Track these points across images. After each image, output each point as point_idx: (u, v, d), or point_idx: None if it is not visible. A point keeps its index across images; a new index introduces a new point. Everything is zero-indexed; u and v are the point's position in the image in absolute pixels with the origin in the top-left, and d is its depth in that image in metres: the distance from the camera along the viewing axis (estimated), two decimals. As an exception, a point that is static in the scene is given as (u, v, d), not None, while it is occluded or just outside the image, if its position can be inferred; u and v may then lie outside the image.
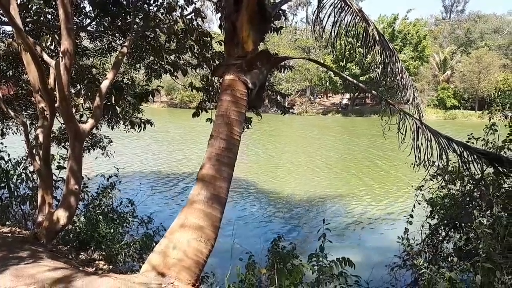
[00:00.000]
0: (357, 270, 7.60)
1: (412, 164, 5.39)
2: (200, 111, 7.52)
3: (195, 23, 7.46)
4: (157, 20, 7.21)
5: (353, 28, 6.34)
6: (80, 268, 4.35)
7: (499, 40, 71.13)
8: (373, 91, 6.45)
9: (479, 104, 56.94)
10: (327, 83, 62.11)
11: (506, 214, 4.90)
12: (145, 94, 7.76)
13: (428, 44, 61.32)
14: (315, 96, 71.72)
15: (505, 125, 6.13)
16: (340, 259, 4.27)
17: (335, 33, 6.34)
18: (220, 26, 5.65)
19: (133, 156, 21.99)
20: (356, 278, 4.44)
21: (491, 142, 5.81)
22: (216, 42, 7.68)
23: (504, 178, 5.37)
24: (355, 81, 6.27)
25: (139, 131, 7.36)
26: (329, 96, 73.17)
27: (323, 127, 44.94)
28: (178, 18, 7.05)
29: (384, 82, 6.92)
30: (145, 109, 9.94)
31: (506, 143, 5.67)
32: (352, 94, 64.23)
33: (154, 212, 10.71)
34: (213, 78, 7.68)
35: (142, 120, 7.25)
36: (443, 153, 4.98)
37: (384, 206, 13.01)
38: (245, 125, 8.21)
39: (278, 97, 9.24)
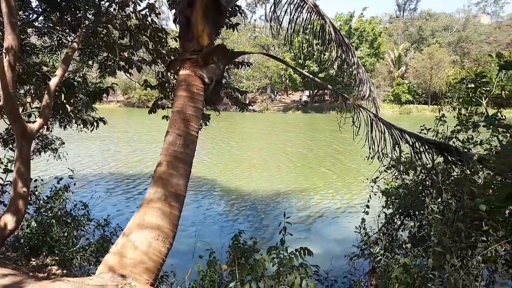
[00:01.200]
0: (318, 262, 7.71)
1: (366, 156, 5.54)
2: (156, 108, 7.37)
3: (149, 19, 7.29)
4: (109, 16, 6.98)
5: (310, 25, 6.44)
6: (31, 274, 4.14)
7: (449, 37, 74.64)
8: (328, 86, 6.55)
9: (431, 98, 59.60)
10: (287, 81, 62.87)
11: (455, 201, 5.14)
12: (98, 92, 7.50)
13: (383, 41, 63.45)
14: (275, 94, 72.35)
15: (454, 117, 6.42)
16: (299, 249, 4.31)
17: (292, 30, 6.40)
18: (174, 21, 5.55)
19: (91, 158, 21.28)
20: (315, 268, 4.50)
21: (441, 133, 6.06)
22: (171, 38, 7.55)
23: (453, 166, 5.62)
24: (311, 76, 6.35)
25: (92, 130, 7.09)
26: (289, 94, 74.05)
27: (284, 124, 45.43)
28: (131, 13, 6.86)
29: (341, 77, 7.06)
30: (101, 109, 9.63)
31: (454, 133, 5.93)
32: (311, 91, 65.33)
33: (112, 214, 10.42)
34: (169, 75, 7.55)
35: (95, 119, 6.99)
36: (396, 144, 5.14)
37: (345, 198, 13.31)
38: (203, 122, 8.14)
39: (238, 95, 9.21)
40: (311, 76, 6.40)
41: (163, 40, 7.46)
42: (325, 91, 66.14)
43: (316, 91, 65.80)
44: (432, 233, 4.40)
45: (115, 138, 30.07)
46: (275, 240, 9.40)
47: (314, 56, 55.06)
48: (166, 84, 7.77)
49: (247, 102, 64.83)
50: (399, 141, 5.15)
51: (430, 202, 4.63)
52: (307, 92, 67.12)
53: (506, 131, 5.90)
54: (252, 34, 67.85)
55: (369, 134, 5.20)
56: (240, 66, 7.89)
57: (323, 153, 23.45)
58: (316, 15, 6.21)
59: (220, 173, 18.01)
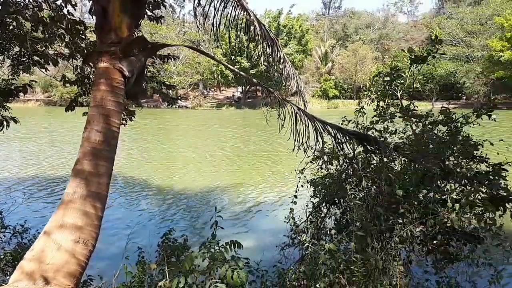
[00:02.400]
0: (252, 253, 7.79)
1: (293, 149, 5.68)
2: (74, 105, 6.93)
3: (65, 10, 6.83)
4: (20, 5, 6.44)
5: (236, 20, 6.44)
6: None
7: (371, 34, 79.13)
8: (254, 80, 6.62)
9: (357, 93, 62.86)
10: (219, 77, 62.69)
11: (374, 187, 5.47)
12: (10, 91, 6.88)
13: (311, 38, 65.62)
14: (208, 90, 71.87)
15: (373, 109, 6.81)
16: (229, 242, 4.32)
17: (218, 25, 6.35)
18: (90, 11, 5.24)
19: (10, 161, 19.66)
20: (246, 260, 4.54)
21: (361, 124, 6.40)
22: (91, 31, 7.14)
23: (373, 155, 5.96)
24: (236, 70, 6.36)
25: (1, 130, 6.48)
26: (222, 90, 74.00)
27: (218, 120, 45.30)
28: (43, 3, 6.38)
29: (270, 73, 7.15)
30: (17, 109, 8.87)
31: (372, 124, 6.30)
32: (244, 88, 65.81)
33: (34, 221, 9.71)
34: (89, 70, 7.14)
35: (5, 117, 6.41)
36: (319, 135, 5.33)
37: (283, 191, 13.55)
38: (128, 117, 7.83)
39: (166, 90, 8.97)
40: (236, 70, 6.41)
41: (81, 33, 7.03)
42: (258, 87, 66.90)
43: (248, 87, 66.37)
44: (353, 218, 4.65)
45: (37, 138, 28.02)
46: (208, 234, 9.38)
47: (245, 52, 55.70)
48: (86, 80, 7.34)
49: (179, 98, 63.72)
50: (321, 133, 5.34)
51: (350, 189, 4.88)
52: (240, 88, 67.49)
53: (418, 121, 6.40)
54: (181, 29, 66.63)
55: (293, 127, 5.34)
56: (167, 60, 7.69)
57: (258, 148, 23.73)
58: (240, 10, 6.22)
59: (155, 171, 17.50)
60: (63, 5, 6.82)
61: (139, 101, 5.60)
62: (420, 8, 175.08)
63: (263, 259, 6.48)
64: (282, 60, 6.81)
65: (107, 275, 5.97)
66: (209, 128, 37.30)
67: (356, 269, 4.24)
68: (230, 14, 6.13)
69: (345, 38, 79.53)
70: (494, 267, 5.37)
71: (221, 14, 6.05)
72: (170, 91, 9.08)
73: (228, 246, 4.23)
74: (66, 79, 7.10)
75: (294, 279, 4.70)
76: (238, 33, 6.55)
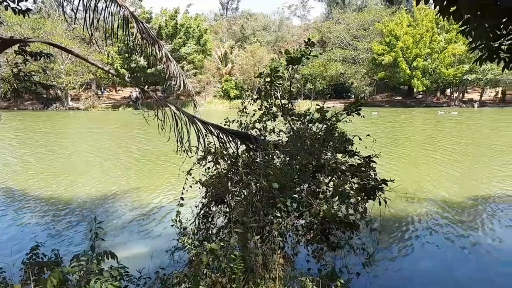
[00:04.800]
0: (142, 260, 7.54)
1: (175, 150, 5.61)
2: None
3: None
4: None
5: (111, 17, 6.13)
6: None
7: (267, 36, 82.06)
8: (126, 78, 6.39)
9: (259, 93, 64.60)
10: (114, 76, 59.60)
11: (255, 183, 5.63)
12: None
13: (209, 39, 65.74)
14: (102, 90, 67.87)
15: (258, 109, 7.02)
16: (103, 253, 4.09)
17: (91, 20, 5.99)
18: None
19: None
20: (124, 269, 4.35)
21: (244, 123, 6.55)
22: None
23: (256, 152, 6.15)
24: (105, 68, 6.07)
25: None
26: (119, 90, 70.48)
27: (113, 122, 42.99)
28: None
29: (153, 71, 6.93)
30: None
31: (253, 123, 6.49)
32: (142, 87, 63.48)
33: None
34: None
35: None
36: (200, 136, 5.33)
37: (176, 193, 13.22)
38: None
39: (46, 90, 8.24)
40: (106, 69, 6.13)
41: None
42: (157, 86, 65.18)
43: (147, 86, 64.19)
44: (233, 215, 4.73)
45: None
46: (103, 247, 8.82)
47: (138, 52, 53.70)
48: None
49: (69, 99, 59.14)
50: (202, 133, 5.35)
51: (231, 186, 4.96)
52: (137, 88, 64.80)
53: (298, 119, 6.77)
54: (69, 25, 61.88)
55: (174, 127, 5.26)
56: (39, 57, 7.04)
57: (156, 150, 22.97)
58: (116, 6, 5.95)
59: (42, 181, 15.87)
60: None
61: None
62: (312, 12, 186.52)
63: (151, 265, 6.30)
64: (165, 59, 6.69)
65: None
66: (101, 130, 35.23)
67: (235, 266, 4.32)
68: (105, 10, 5.83)
69: (243, 39, 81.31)
70: (367, 252, 5.90)
71: (94, 9, 5.73)
72: (59, 91, 8.35)
73: (100, 258, 3.99)
74: None
75: (176, 283, 4.62)
76: (118, 31, 6.29)
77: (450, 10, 3.77)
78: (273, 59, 70.89)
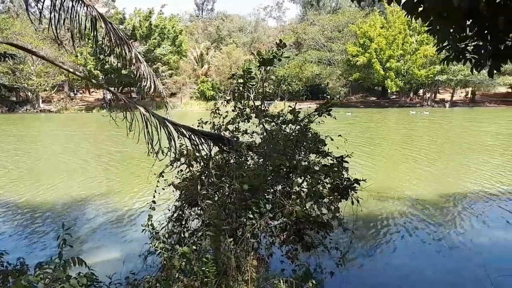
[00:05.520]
0: (114, 265, 7.38)
1: (148, 153, 5.51)
2: None
3: None
4: None
5: (79, 17, 5.98)
6: None
7: (243, 38, 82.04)
8: (93, 80, 6.26)
9: (233, 94, 64.67)
10: (82, 78, 58.43)
11: (228, 185, 5.59)
12: None
13: (185, 40, 65.29)
14: (75, 92, 66.37)
15: (232, 110, 6.98)
16: (69, 259, 3.97)
17: (57, 20, 5.83)
18: None
19: None
20: (93, 275, 4.23)
21: (217, 125, 6.50)
22: None
23: (229, 154, 6.11)
24: (70, 69, 5.93)
25: None
26: (92, 91, 69.05)
27: (86, 124, 42.08)
28: None
29: (127, 72, 6.80)
30: None
31: (226, 125, 6.46)
32: (116, 88, 62.43)
33: None
34: None
35: None
36: (171, 138, 5.26)
37: (149, 197, 13.03)
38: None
39: (11, 92, 7.96)
40: (70, 70, 5.98)
41: None
42: (132, 88, 64.24)
43: (121, 88, 63.25)
44: (206, 218, 4.68)
45: None
46: (74, 253, 8.59)
47: (110, 52, 52.83)
48: None
49: (40, 101, 57.54)
50: (173, 135, 5.28)
51: (203, 189, 4.91)
52: (112, 89, 63.65)
53: (271, 120, 6.77)
54: (39, 25, 60.21)
55: (144, 129, 5.17)
56: (2, 59, 6.81)
57: (133, 152, 22.56)
58: (83, 6, 5.81)
59: (11, 185, 15.33)
60: None
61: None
62: (287, 14, 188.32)
63: (124, 270, 6.16)
64: (135, 60, 6.58)
65: None
66: (74, 133, 34.43)
67: (207, 269, 4.27)
68: (71, 10, 5.69)
69: (219, 40, 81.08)
70: (340, 251, 5.94)
71: (60, 9, 5.57)
72: (30, 93, 8.07)
73: (67, 265, 3.87)
74: None
75: (148, 288, 4.53)
76: (84, 31, 6.14)
77: (418, 11, 3.84)
78: (250, 60, 70.95)
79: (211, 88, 64.93)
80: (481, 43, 4.32)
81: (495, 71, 4.18)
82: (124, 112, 5.17)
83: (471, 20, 4.19)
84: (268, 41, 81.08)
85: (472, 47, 4.39)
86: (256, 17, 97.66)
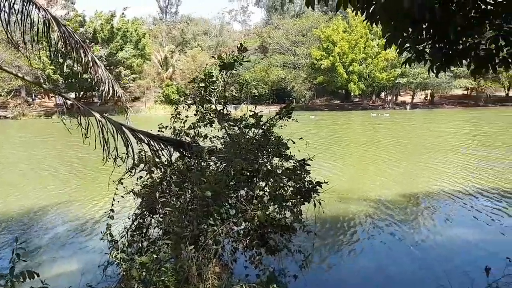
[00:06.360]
0: (72, 277, 7.08)
1: (106, 159, 5.32)
2: None
3: None
4: None
5: (30, 19, 5.72)
6: None
7: (208, 41, 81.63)
8: (43, 85, 6.01)
9: (194, 98, 64.00)
10: (46, 82, 56.27)
11: (190, 191, 5.49)
12: None
13: (148, 43, 64.27)
14: (33, 97, 63.80)
15: (194, 114, 6.88)
16: (20, 274, 3.75)
17: (7, 21, 5.56)
18: None
19: None
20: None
21: (178, 129, 6.38)
22: None
23: (190, 160, 6.01)
24: (18, 75, 5.67)
25: None
26: (52, 96, 66.60)
27: (46, 130, 40.44)
28: None
29: (80, 76, 6.57)
30: None
31: (189, 129, 6.36)
32: (77, 93, 60.56)
33: None
34: None
35: None
36: (129, 144, 5.11)
37: (116, 205, 12.56)
38: None
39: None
40: (26, 79, 5.72)
41: None
42: (94, 92, 62.50)
43: (83, 93, 61.42)
44: (165, 226, 4.57)
45: None
46: (29, 266, 8.17)
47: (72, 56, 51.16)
48: None
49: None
50: (130, 142, 5.13)
51: (163, 195, 4.79)
52: (73, 95, 61.71)
53: (234, 125, 6.72)
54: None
55: (100, 135, 4.99)
56: None
57: (92, 159, 21.84)
58: (35, 8, 5.57)
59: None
60: None
61: None
62: (252, 18, 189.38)
63: (82, 281, 5.93)
64: (91, 64, 6.37)
65: None
66: (33, 140, 33.08)
67: (167, 279, 4.16)
68: (22, 12, 5.43)
69: (184, 44, 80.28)
70: (303, 254, 5.96)
71: (9, 10, 5.31)
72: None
73: (15, 279, 3.65)
74: None
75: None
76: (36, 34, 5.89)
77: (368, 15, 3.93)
78: (215, 63, 70.66)
79: (176, 92, 64.16)
80: (439, 45, 4.50)
81: (452, 74, 4.38)
82: (79, 118, 4.96)
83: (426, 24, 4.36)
84: (233, 44, 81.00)
85: (429, 49, 4.58)
86: (221, 20, 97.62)
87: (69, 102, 5.36)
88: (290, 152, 6.32)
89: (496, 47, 4.46)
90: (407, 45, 4.36)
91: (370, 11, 3.96)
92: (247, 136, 6.42)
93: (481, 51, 4.47)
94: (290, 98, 67.54)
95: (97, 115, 5.14)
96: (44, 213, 12.31)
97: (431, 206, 11.80)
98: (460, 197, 12.49)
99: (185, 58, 68.45)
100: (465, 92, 67.49)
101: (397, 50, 4.42)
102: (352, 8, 4.01)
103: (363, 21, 4.26)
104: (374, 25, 4.20)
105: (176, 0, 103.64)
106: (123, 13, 60.52)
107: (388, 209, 11.37)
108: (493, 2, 4.22)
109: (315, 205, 5.97)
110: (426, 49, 4.56)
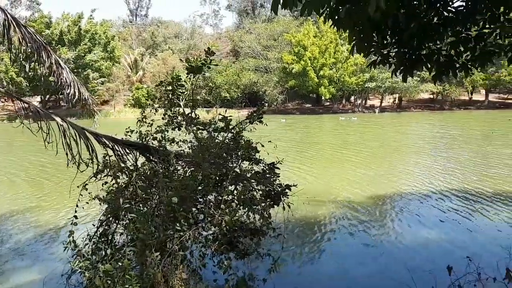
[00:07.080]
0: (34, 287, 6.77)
1: (67, 163, 5.16)
2: None
3: None
4: None
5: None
6: None
7: (180, 44, 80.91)
8: (1, 90, 5.79)
9: (162, 102, 63.36)
10: (9, 85, 54.19)
11: (157, 197, 5.38)
12: None
13: (117, 45, 63.07)
14: (-4, 100, 61.33)
15: (161, 118, 6.77)
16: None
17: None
18: None
19: None
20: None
21: (144, 134, 6.25)
22: None
23: (157, 164, 5.89)
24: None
25: None
26: (15, 100, 64.18)
27: (9, 134, 38.93)
28: None
29: (43, 80, 6.36)
30: None
31: (156, 133, 6.25)
32: (43, 96, 58.68)
33: None
34: None
35: None
36: (92, 149, 4.97)
37: (79, 211, 12.19)
38: None
39: None
40: None
41: None
42: (61, 95, 60.70)
43: (49, 96, 59.57)
44: (130, 232, 4.45)
45: None
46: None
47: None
48: None
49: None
50: (93, 146, 4.99)
51: (124, 202, 4.68)
52: (38, 98, 59.74)
53: (203, 128, 6.65)
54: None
55: (62, 139, 4.83)
56: None
57: (57, 164, 21.16)
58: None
59: None
60: None
61: None
62: (224, 21, 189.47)
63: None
64: (55, 67, 6.18)
65: None
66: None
67: (131, 287, 4.05)
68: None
69: (154, 46, 79.28)
70: (272, 257, 5.94)
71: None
72: None
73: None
74: None
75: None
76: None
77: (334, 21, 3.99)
78: (186, 66, 70.06)
79: (146, 95, 63.18)
80: (403, 50, 4.63)
81: (419, 78, 4.52)
82: (39, 123, 4.78)
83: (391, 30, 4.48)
84: (204, 48, 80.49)
85: (393, 53, 4.70)
86: (192, 24, 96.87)
87: (26, 105, 5.14)
88: (260, 156, 6.32)
89: (456, 53, 4.62)
90: (372, 49, 4.46)
91: (336, 18, 4.01)
92: (216, 140, 6.38)
93: (442, 57, 4.61)
94: (263, 102, 67.86)
95: (58, 119, 4.97)
96: (7, 220, 11.80)
97: (400, 207, 11.96)
98: (428, 198, 12.74)
99: (156, 61, 67.61)
100: (431, 96, 69.74)
101: (362, 54, 4.51)
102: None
103: (330, 26, 4.32)
104: (341, 30, 4.27)
105: (146, 3, 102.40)
106: (91, 15, 59.15)
107: (356, 211, 11.46)
108: (453, 10, 4.38)
109: (284, 208, 5.99)
110: (392, 53, 4.68)
